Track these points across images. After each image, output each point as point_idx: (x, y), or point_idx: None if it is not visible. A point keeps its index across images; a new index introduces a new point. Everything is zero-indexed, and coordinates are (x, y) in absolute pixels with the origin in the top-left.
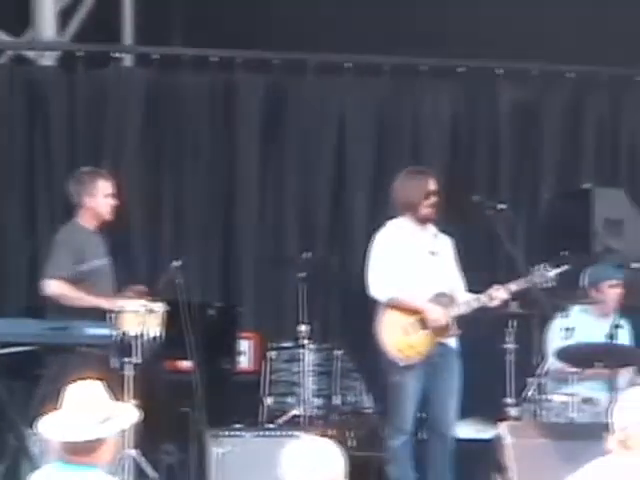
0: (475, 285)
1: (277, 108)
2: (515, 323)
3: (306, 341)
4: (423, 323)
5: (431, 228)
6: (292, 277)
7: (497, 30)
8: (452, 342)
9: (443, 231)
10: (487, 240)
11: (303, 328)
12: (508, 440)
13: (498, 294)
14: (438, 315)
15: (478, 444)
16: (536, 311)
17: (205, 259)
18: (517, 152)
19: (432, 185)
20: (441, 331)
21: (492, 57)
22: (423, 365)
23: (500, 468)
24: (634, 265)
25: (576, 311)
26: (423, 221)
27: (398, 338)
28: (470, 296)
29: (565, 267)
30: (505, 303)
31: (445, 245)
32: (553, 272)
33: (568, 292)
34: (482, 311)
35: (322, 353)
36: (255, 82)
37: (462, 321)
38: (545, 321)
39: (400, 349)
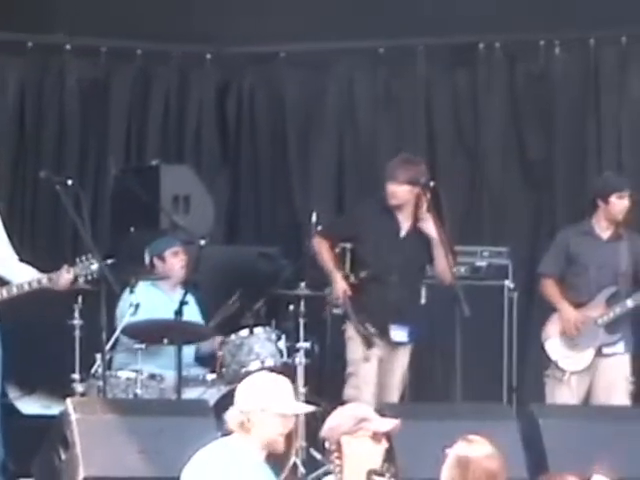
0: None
1: None
2: (82, 299)
3: None
4: None
5: None
6: None
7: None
8: None
9: None
10: (54, 216)
11: None
12: (73, 416)
13: (65, 276)
14: None
15: (44, 420)
16: (103, 287)
17: None
18: (85, 128)
19: None
20: None
21: (63, 34)
22: None
23: (66, 444)
24: (201, 241)
25: (144, 286)
26: None
27: None
28: (26, 277)
29: (95, 268)
30: (71, 284)
31: None
32: (96, 265)
33: (136, 268)
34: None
35: None
36: None
37: (26, 298)
38: (113, 297)
39: None
